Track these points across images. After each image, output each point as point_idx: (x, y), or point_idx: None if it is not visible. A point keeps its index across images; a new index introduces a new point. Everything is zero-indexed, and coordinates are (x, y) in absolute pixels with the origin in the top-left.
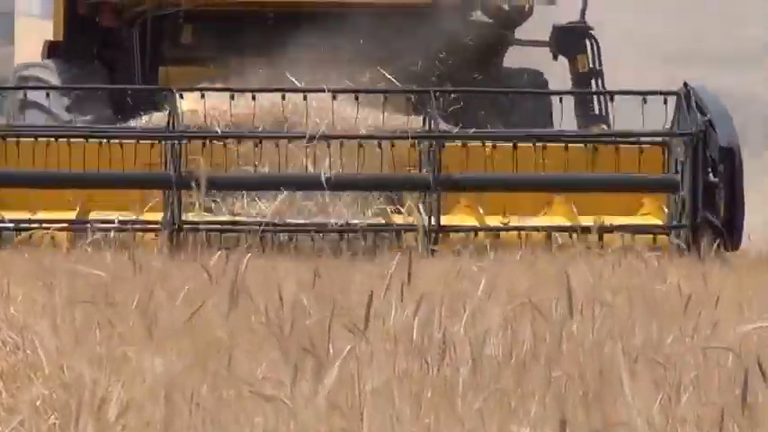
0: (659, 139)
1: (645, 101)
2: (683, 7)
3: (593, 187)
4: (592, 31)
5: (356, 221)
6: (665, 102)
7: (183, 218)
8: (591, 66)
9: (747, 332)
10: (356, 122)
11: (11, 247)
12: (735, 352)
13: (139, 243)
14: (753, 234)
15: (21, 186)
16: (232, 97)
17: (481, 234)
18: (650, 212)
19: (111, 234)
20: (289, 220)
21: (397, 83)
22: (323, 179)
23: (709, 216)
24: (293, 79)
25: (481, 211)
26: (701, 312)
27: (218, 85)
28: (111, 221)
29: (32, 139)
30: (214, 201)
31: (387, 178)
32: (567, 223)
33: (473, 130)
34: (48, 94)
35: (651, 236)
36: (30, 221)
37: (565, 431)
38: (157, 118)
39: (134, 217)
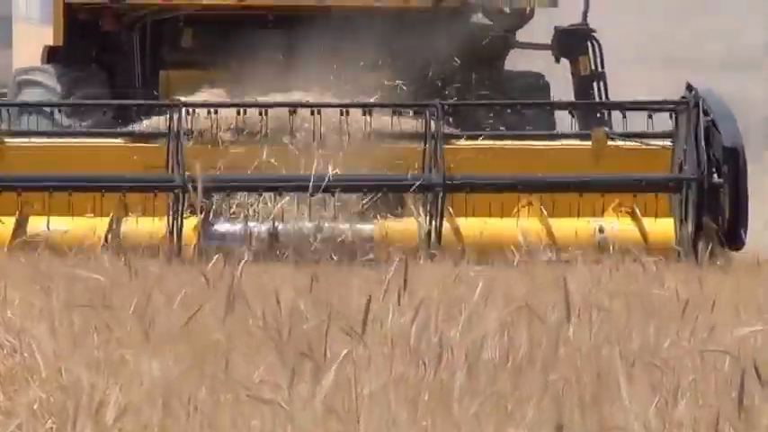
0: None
1: (650, 117)
2: (683, 11)
3: (598, 188)
4: (594, 34)
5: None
6: (672, 112)
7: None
8: (593, 68)
9: (744, 335)
10: (365, 128)
11: (8, 250)
12: (732, 355)
13: (139, 246)
14: (751, 237)
15: (21, 191)
16: (238, 113)
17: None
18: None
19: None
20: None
21: (399, 86)
22: (327, 180)
23: (709, 222)
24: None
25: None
26: (699, 316)
27: (219, 89)
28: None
29: (28, 140)
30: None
31: (391, 180)
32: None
33: (482, 136)
34: (51, 108)
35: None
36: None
37: None
38: (158, 122)
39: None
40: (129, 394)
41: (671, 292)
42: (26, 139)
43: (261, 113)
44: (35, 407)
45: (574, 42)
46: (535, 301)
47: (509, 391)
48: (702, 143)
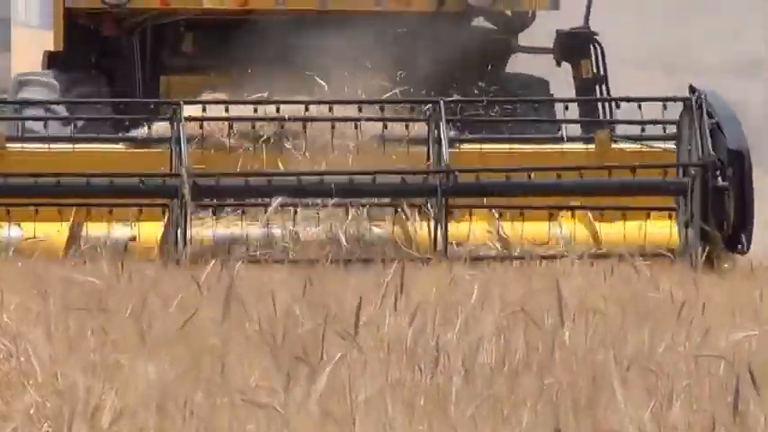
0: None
1: (665, 107)
2: (683, 12)
3: (605, 191)
4: (596, 37)
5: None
6: (665, 107)
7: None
8: (595, 71)
9: (739, 340)
10: (360, 131)
11: (4, 254)
12: (726, 360)
13: (135, 251)
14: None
15: (21, 196)
16: (226, 110)
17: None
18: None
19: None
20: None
21: (400, 90)
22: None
23: (705, 226)
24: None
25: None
26: (693, 320)
27: (221, 94)
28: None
29: (30, 145)
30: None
31: (393, 185)
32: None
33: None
34: (48, 110)
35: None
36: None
37: None
38: (160, 127)
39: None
40: (124, 398)
41: (666, 296)
42: (27, 144)
43: (271, 112)
44: (31, 411)
45: (576, 46)
46: (531, 304)
47: (505, 394)
48: (709, 145)
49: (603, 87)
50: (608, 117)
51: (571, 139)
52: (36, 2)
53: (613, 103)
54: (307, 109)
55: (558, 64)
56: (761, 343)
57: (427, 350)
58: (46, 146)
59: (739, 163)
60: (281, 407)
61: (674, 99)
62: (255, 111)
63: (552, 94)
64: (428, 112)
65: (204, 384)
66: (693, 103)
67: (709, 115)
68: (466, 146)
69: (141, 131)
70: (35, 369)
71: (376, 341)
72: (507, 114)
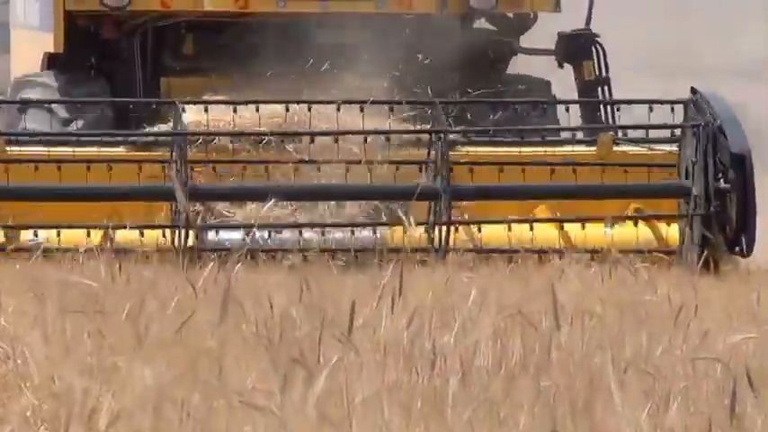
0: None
1: (651, 109)
2: (684, 15)
3: (605, 194)
4: (598, 38)
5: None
6: (672, 110)
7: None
8: (597, 73)
9: (736, 342)
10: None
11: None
12: (723, 362)
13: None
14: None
15: (21, 200)
16: (235, 110)
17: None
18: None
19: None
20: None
21: (402, 91)
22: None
23: (706, 232)
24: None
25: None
26: (691, 323)
27: (221, 96)
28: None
29: (29, 149)
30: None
31: (392, 188)
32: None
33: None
34: (49, 110)
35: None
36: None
37: None
38: (161, 131)
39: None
40: (121, 400)
41: (663, 299)
42: (27, 148)
43: (260, 114)
44: (28, 413)
45: (577, 47)
46: (528, 307)
47: (502, 397)
48: (711, 148)
49: (606, 89)
50: (610, 119)
51: (572, 142)
52: (36, 3)
53: (615, 105)
54: (309, 109)
55: (560, 66)
56: (758, 346)
57: (424, 353)
58: (46, 149)
59: (741, 165)
60: (277, 409)
61: (676, 102)
62: (257, 110)
63: (554, 96)
64: (431, 116)
65: (201, 386)
66: (695, 105)
67: (711, 117)
68: (468, 148)
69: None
70: (32, 371)
71: (373, 344)
72: (509, 116)
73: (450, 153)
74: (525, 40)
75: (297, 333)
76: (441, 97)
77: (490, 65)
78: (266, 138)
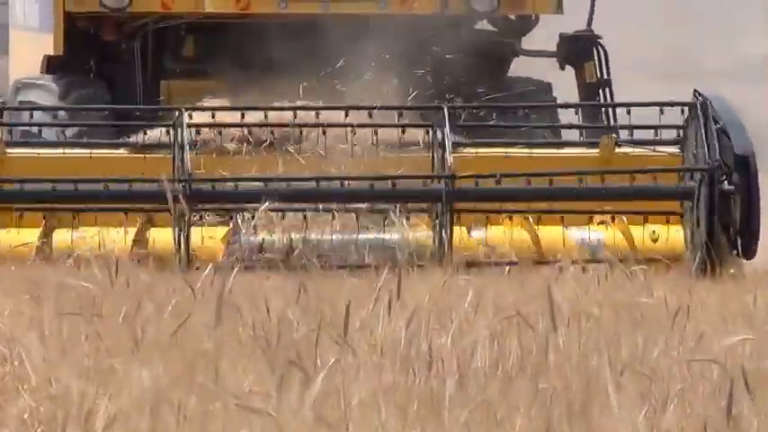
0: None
1: (662, 111)
2: (684, 18)
3: (608, 197)
4: (600, 40)
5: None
6: (682, 111)
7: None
8: (599, 75)
9: (732, 344)
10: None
11: None
12: (720, 364)
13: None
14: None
15: (21, 203)
16: (243, 116)
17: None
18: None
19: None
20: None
21: (405, 92)
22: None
23: (720, 230)
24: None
25: (531, 220)
26: (687, 325)
27: (221, 99)
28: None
29: (30, 151)
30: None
31: (395, 191)
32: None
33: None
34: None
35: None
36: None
37: None
38: (161, 133)
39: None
40: (118, 402)
41: (659, 301)
42: (28, 150)
43: (266, 116)
44: (25, 416)
45: (579, 49)
46: (525, 309)
47: (499, 399)
48: (716, 150)
49: (607, 91)
50: (612, 120)
51: (574, 144)
52: (35, 5)
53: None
54: (317, 115)
55: (562, 67)
56: (754, 347)
57: (421, 354)
58: (46, 151)
59: (745, 168)
60: (274, 411)
61: (679, 104)
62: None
63: (555, 98)
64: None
65: (198, 389)
66: (698, 107)
67: (715, 120)
68: (470, 150)
69: (142, 136)
70: (29, 374)
71: (370, 346)
72: (510, 118)
73: (454, 155)
74: (527, 42)
75: (294, 335)
76: (441, 99)
77: (491, 66)
78: (267, 140)
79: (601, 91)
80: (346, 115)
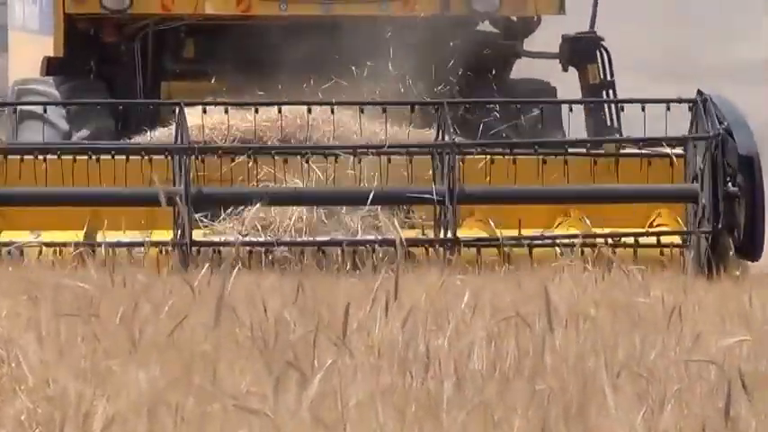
0: (666, 150)
1: (668, 108)
2: (685, 18)
3: (612, 198)
4: (602, 42)
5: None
6: (689, 108)
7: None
8: (602, 77)
9: (730, 345)
10: (360, 134)
11: None
12: (717, 365)
13: (144, 260)
14: None
15: (22, 205)
16: (257, 111)
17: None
18: (667, 224)
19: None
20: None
21: (403, 94)
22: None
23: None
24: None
25: (492, 224)
26: (684, 325)
27: (221, 100)
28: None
29: (33, 157)
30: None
31: (397, 192)
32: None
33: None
34: (45, 110)
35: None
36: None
37: None
38: (163, 134)
39: (143, 238)
40: (116, 404)
41: (657, 301)
42: (28, 156)
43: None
44: (22, 417)
45: (582, 50)
46: (522, 309)
47: (496, 400)
48: (720, 151)
49: (611, 93)
50: (615, 120)
51: (576, 145)
52: (35, 6)
53: (620, 107)
54: (309, 111)
55: (565, 69)
56: (752, 348)
57: (418, 356)
58: (45, 155)
59: (750, 168)
60: (272, 412)
61: (684, 100)
62: (257, 111)
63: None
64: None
65: (195, 390)
66: (701, 107)
67: (719, 120)
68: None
69: (143, 138)
70: (26, 375)
71: (367, 347)
72: (513, 119)
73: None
74: (529, 44)
75: (291, 336)
76: (445, 99)
77: (493, 68)
78: (269, 141)
79: (604, 92)
80: (361, 111)
